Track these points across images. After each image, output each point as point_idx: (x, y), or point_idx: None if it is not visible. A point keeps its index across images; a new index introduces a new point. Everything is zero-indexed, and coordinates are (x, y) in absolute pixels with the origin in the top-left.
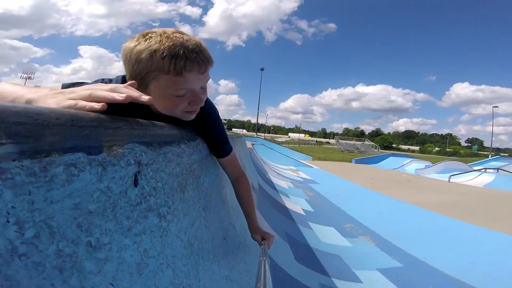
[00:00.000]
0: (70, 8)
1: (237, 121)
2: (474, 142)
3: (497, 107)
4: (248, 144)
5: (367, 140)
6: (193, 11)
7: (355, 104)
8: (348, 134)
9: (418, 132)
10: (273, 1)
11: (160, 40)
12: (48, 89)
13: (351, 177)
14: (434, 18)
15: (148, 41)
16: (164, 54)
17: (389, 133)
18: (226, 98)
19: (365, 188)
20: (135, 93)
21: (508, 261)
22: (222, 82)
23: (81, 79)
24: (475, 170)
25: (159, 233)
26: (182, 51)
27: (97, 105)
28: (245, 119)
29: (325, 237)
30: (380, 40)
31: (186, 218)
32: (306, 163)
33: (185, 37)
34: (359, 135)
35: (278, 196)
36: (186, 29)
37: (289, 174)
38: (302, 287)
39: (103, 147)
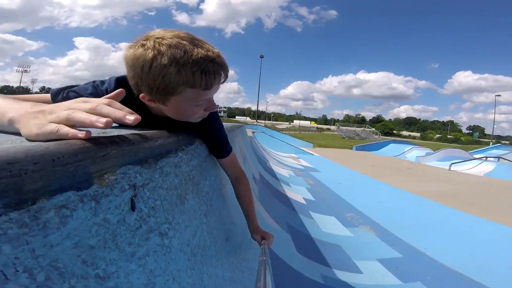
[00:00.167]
0: (62, 0)
1: (237, 108)
2: (476, 129)
3: (499, 95)
4: (249, 132)
5: (368, 127)
6: None
7: (356, 91)
8: (349, 120)
9: (419, 119)
10: None
11: (185, 51)
12: (30, 105)
13: (352, 164)
14: (437, 5)
15: (170, 50)
16: (195, 69)
17: (390, 119)
18: (226, 85)
19: (366, 176)
20: (118, 114)
21: (505, 253)
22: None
23: (78, 70)
24: (476, 159)
25: (162, 252)
26: (211, 66)
27: (80, 134)
28: (245, 106)
29: (326, 226)
30: (382, 27)
31: (188, 230)
32: (307, 151)
33: (205, 46)
34: (360, 121)
35: (279, 185)
36: (183, 17)
37: (290, 162)
38: (304, 279)
39: (93, 179)
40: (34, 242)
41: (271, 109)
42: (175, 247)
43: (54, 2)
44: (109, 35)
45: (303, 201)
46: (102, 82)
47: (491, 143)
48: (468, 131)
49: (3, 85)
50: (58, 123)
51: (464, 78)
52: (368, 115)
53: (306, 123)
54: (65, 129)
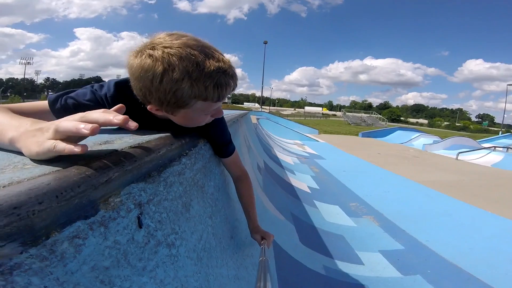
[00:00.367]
0: None
1: (241, 94)
2: (485, 117)
3: (511, 85)
4: (253, 118)
5: (374, 113)
6: None
7: (363, 77)
8: (355, 106)
9: (428, 106)
10: None
11: (197, 64)
12: (30, 123)
13: (358, 152)
14: None
15: (181, 64)
16: (208, 83)
17: (397, 106)
18: None
19: (371, 164)
20: (106, 116)
21: (506, 247)
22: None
23: (81, 60)
24: (484, 148)
25: (171, 261)
26: (223, 79)
27: (76, 148)
28: (249, 92)
29: (330, 216)
30: (391, 12)
31: (194, 235)
32: (312, 137)
33: (216, 56)
34: (367, 108)
35: (284, 173)
36: (184, 4)
37: (295, 149)
38: (306, 270)
39: (99, 205)
40: (56, 272)
41: (276, 95)
42: (182, 254)
43: None
44: (109, 25)
45: (308, 190)
46: (101, 86)
47: (500, 132)
48: (477, 120)
49: (8, 77)
50: (55, 139)
51: (475, 66)
52: (375, 101)
53: (317, 109)
54: (61, 145)
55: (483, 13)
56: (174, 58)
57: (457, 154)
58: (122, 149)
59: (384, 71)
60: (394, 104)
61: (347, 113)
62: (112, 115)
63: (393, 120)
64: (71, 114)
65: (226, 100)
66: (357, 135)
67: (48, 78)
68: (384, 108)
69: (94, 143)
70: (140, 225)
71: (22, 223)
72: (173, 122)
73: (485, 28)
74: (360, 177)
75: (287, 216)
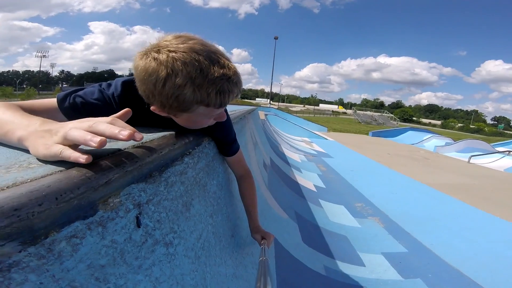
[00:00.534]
0: None
1: (250, 90)
2: (501, 120)
3: None
4: (261, 114)
5: (386, 112)
6: None
7: (375, 75)
8: (366, 105)
9: (442, 107)
10: None
11: (201, 69)
12: (39, 123)
13: (367, 151)
14: None
15: (185, 69)
16: (210, 90)
17: (410, 105)
18: (239, 67)
19: (380, 164)
20: (113, 130)
21: (510, 253)
22: (235, 51)
23: (94, 54)
24: (498, 152)
25: (168, 260)
26: (226, 86)
27: (81, 158)
28: (259, 88)
29: (334, 216)
30: (407, 10)
31: (193, 234)
32: (320, 135)
33: (221, 62)
34: (378, 106)
35: (290, 170)
36: None
37: (302, 146)
38: (306, 270)
39: (98, 205)
40: (53, 269)
41: (285, 91)
42: (179, 253)
43: None
44: (122, 19)
45: (314, 188)
46: (109, 85)
47: None
48: (493, 122)
49: (24, 69)
50: (62, 144)
51: (494, 67)
52: (387, 100)
53: (333, 107)
54: (67, 152)
55: (505, 13)
56: (178, 63)
57: (470, 157)
58: (125, 148)
59: (398, 70)
60: (406, 104)
61: (357, 111)
62: (118, 129)
63: (405, 120)
64: (79, 112)
65: None
66: (367, 134)
67: (63, 70)
68: (396, 107)
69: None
70: (138, 224)
71: (22, 224)
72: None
73: (507, 28)
74: (367, 177)
75: (290, 214)
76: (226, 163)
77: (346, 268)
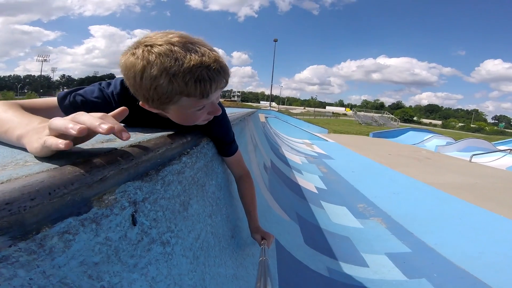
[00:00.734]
0: None
1: (250, 92)
2: (502, 119)
3: None
4: (261, 117)
5: (386, 113)
6: None
7: (375, 76)
8: (367, 106)
9: (442, 107)
10: None
11: (176, 59)
12: (39, 121)
13: (368, 152)
14: None
15: (159, 59)
16: (187, 78)
17: (410, 106)
18: (240, 70)
19: (381, 165)
20: (94, 122)
21: None
22: (235, 54)
23: (95, 58)
24: (499, 151)
25: (164, 259)
26: (206, 73)
27: (61, 144)
28: (259, 90)
29: (336, 217)
30: (406, 10)
31: (191, 234)
32: (321, 136)
33: (200, 51)
34: (379, 107)
35: (291, 172)
36: (196, 2)
37: (303, 148)
38: (309, 271)
39: (92, 202)
40: (43, 265)
41: (285, 93)
42: (177, 253)
43: None
44: (123, 22)
45: (315, 190)
46: (108, 84)
47: None
48: (493, 121)
49: (25, 74)
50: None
51: (493, 66)
52: (388, 100)
53: (340, 109)
54: (50, 140)
55: (503, 12)
56: (153, 55)
57: (471, 156)
58: (121, 147)
59: (397, 70)
60: (407, 104)
61: (358, 113)
62: (99, 122)
63: (405, 121)
64: (79, 110)
65: (236, 99)
66: (367, 135)
67: (64, 75)
68: (396, 108)
69: (97, 141)
70: (134, 223)
71: (13, 218)
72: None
73: (505, 27)
74: (369, 178)
75: (292, 216)
76: (225, 164)
77: (350, 269)
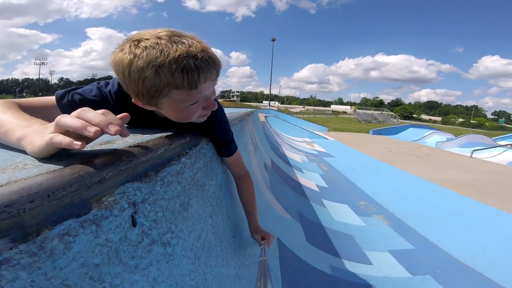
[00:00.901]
0: None
1: (249, 92)
2: (501, 115)
3: None
4: (261, 116)
5: (386, 110)
6: None
7: (374, 74)
8: (366, 103)
9: (441, 103)
10: None
11: (161, 50)
12: (39, 124)
13: (368, 150)
14: None
15: (145, 52)
16: (173, 68)
17: (410, 103)
18: (238, 70)
19: (382, 162)
20: (102, 120)
21: None
22: (233, 54)
23: (93, 60)
24: (500, 146)
25: (166, 260)
26: (192, 63)
27: (76, 144)
28: (258, 90)
29: (338, 215)
30: (403, 8)
31: (192, 234)
32: (321, 135)
33: (187, 42)
34: (378, 105)
35: (292, 171)
36: (193, 3)
37: (303, 147)
38: (312, 269)
39: (91, 203)
40: (45, 267)
41: (284, 92)
42: (178, 253)
43: None
44: (120, 24)
45: (316, 188)
46: (106, 83)
47: None
48: (493, 117)
49: (23, 77)
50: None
51: (491, 62)
52: (387, 98)
53: (345, 107)
54: (58, 138)
55: (500, 8)
56: (139, 49)
57: (472, 152)
58: (119, 148)
59: (396, 68)
60: (406, 101)
61: (357, 110)
62: (106, 122)
63: (405, 118)
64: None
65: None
66: (367, 132)
67: (62, 78)
68: (396, 105)
69: (95, 143)
70: (134, 224)
71: (13, 220)
72: (175, 121)
73: (502, 24)
74: (370, 176)
75: (293, 215)
76: (225, 164)
77: (353, 266)
